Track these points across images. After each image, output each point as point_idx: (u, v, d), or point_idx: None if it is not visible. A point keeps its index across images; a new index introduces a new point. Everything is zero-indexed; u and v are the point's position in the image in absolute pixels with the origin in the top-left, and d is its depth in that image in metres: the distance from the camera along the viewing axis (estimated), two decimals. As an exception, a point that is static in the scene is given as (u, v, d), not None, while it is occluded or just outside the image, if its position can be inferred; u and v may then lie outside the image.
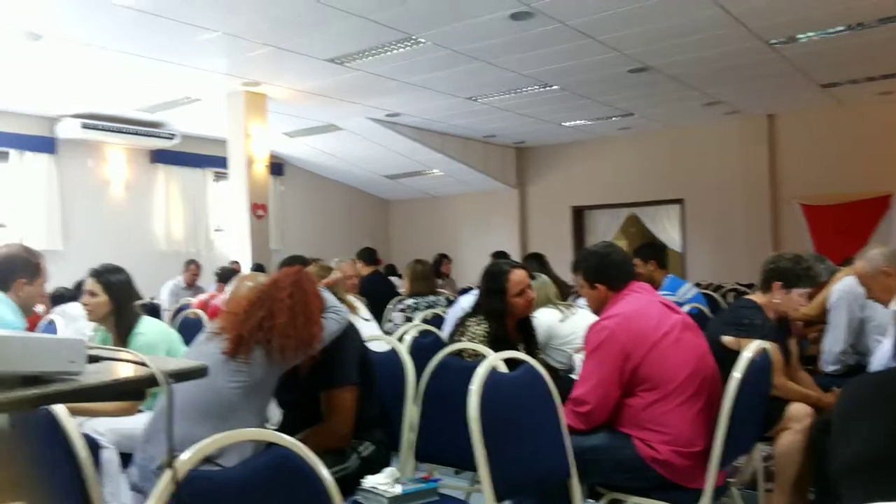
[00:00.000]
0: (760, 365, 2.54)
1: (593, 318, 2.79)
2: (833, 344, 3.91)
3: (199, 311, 4.94)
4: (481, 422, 2.06)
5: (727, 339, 3.04)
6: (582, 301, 3.90)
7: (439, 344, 3.44)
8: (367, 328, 3.90)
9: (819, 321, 4.28)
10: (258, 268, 7.33)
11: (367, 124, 9.68)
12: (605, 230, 12.02)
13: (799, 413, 2.99)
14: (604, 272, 2.72)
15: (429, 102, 8.66)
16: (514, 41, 6.36)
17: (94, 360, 1.31)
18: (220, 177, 10.67)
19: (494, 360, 2.26)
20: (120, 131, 9.12)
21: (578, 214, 12.09)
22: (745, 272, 8.86)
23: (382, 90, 8.02)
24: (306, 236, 11.77)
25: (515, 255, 9.31)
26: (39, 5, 5.37)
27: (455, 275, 10.46)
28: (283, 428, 2.62)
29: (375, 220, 13.71)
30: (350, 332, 2.57)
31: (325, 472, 1.54)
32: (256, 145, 8.34)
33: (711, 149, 10.43)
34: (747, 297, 3.47)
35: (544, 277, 4.07)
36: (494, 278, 3.19)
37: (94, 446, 2.12)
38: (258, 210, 8.43)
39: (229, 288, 2.66)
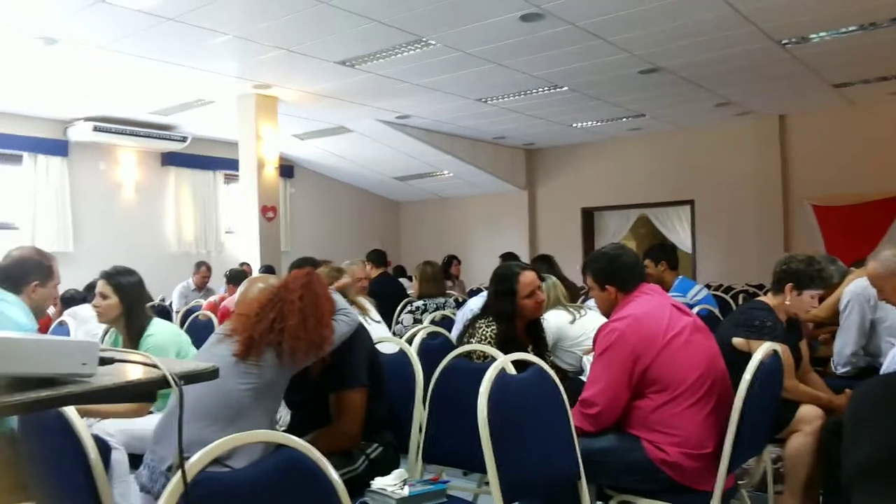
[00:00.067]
0: (771, 367, 2.53)
1: (603, 319, 2.78)
2: (844, 346, 3.89)
3: (209, 313, 4.96)
4: (490, 423, 2.05)
5: (738, 341, 3.03)
6: (591, 302, 3.89)
7: (448, 345, 3.44)
8: (377, 330, 3.91)
9: (830, 323, 4.25)
10: (268, 269, 7.35)
11: (376, 126, 9.70)
12: (615, 231, 12.00)
13: (809, 415, 2.97)
14: (614, 274, 2.72)
15: (438, 104, 8.67)
16: (524, 43, 6.36)
17: (106, 362, 1.32)
18: (230, 179, 10.73)
19: (503, 361, 2.26)
20: (131, 134, 9.20)
21: (588, 216, 12.07)
22: (756, 273, 8.82)
23: (392, 92, 8.03)
24: (316, 238, 11.81)
25: (525, 257, 9.30)
26: (55, 11, 5.41)
27: (464, 276, 10.47)
28: (291, 429, 2.63)
29: (385, 222, 13.73)
30: (360, 333, 2.58)
31: (334, 474, 1.54)
32: (267, 147, 8.38)
33: (722, 150, 10.39)
34: (758, 298, 3.45)
35: (554, 279, 4.06)
36: (504, 280, 3.18)
37: (104, 447, 2.13)
38: (268, 212, 8.46)
39: (240, 290, 2.66)
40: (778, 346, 2.64)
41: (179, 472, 1.34)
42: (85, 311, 4.64)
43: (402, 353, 2.86)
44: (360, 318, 2.66)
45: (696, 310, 4.09)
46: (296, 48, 6.44)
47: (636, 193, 11.24)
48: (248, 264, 8.00)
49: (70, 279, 5.33)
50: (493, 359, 2.41)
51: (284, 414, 2.81)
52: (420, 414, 2.67)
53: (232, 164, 9.00)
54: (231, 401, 2.17)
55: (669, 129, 10.56)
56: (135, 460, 2.58)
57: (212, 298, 6.73)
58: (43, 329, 4.11)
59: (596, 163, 11.63)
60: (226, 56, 6.67)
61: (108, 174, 9.74)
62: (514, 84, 7.83)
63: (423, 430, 2.58)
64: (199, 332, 4.26)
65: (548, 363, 2.68)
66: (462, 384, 2.32)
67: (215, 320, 4.72)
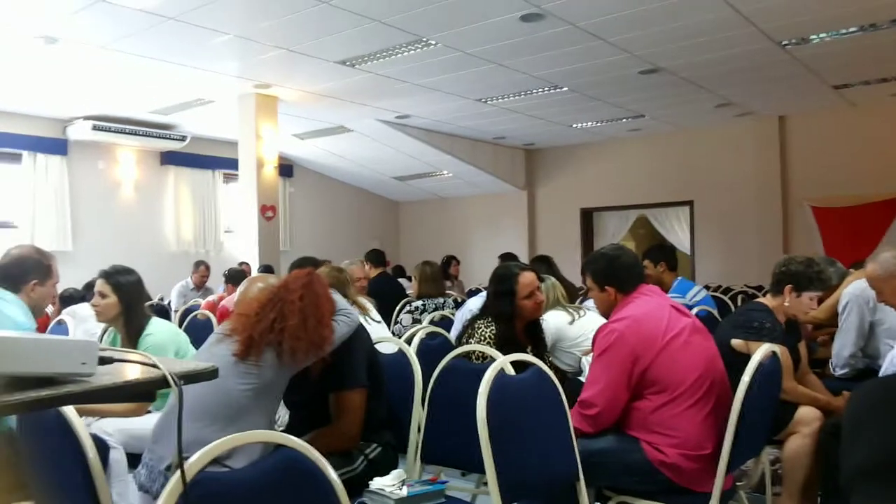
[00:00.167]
0: (770, 368, 2.53)
1: (602, 320, 2.78)
2: (843, 347, 3.89)
3: (208, 312, 4.96)
4: (489, 424, 2.06)
5: (737, 342, 3.04)
6: (590, 303, 3.89)
7: (447, 346, 3.44)
8: (378, 330, 3.91)
9: (829, 324, 4.25)
10: (267, 269, 7.35)
11: (376, 126, 9.70)
12: (615, 232, 12.01)
13: (808, 417, 2.98)
14: (613, 275, 2.72)
15: (438, 104, 8.67)
16: (524, 43, 6.36)
17: (105, 361, 1.32)
18: (229, 178, 10.73)
19: (503, 362, 2.26)
20: (131, 133, 9.19)
21: (587, 216, 12.07)
22: (755, 274, 8.83)
23: (392, 92, 8.03)
24: (315, 238, 11.81)
25: (524, 257, 9.30)
26: (55, 10, 5.41)
27: (463, 276, 10.47)
28: (290, 428, 2.63)
29: (384, 222, 13.73)
30: (359, 334, 2.58)
31: (333, 474, 1.54)
32: (267, 147, 8.37)
33: (722, 150, 10.39)
34: (757, 300, 3.45)
35: (553, 280, 4.07)
36: (503, 281, 3.18)
37: (102, 447, 2.13)
38: (267, 211, 8.46)
39: (240, 289, 2.66)
40: (777, 348, 2.64)
41: (179, 472, 1.33)
42: (83, 309, 4.64)
43: (401, 354, 2.86)
44: (361, 319, 2.66)
45: (694, 311, 4.10)
46: (296, 48, 6.43)
47: (635, 194, 11.24)
48: (247, 264, 8.00)
49: (69, 278, 5.33)
50: (492, 359, 2.41)
51: (283, 414, 2.80)
52: (419, 414, 2.66)
53: (231, 164, 9.00)
54: (230, 401, 2.17)
55: (669, 130, 10.56)
56: (133, 460, 2.58)
57: (210, 298, 6.73)
58: (41, 328, 4.11)
59: (595, 163, 11.64)
60: (226, 55, 6.67)
61: (108, 173, 9.73)
62: (514, 84, 7.83)
63: (422, 431, 2.58)
64: (197, 331, 4.27)
65: (547, 364, 2.69)
66: (461, 384, 2.32)
67: (214, 320, 4.72)
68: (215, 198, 10.89)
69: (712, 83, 7.94)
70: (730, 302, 6.26)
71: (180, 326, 4.52)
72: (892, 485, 1.25)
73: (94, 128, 8.82)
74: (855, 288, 3.88)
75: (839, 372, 3.90)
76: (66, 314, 4.52)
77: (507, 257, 6.84)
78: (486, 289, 3.56)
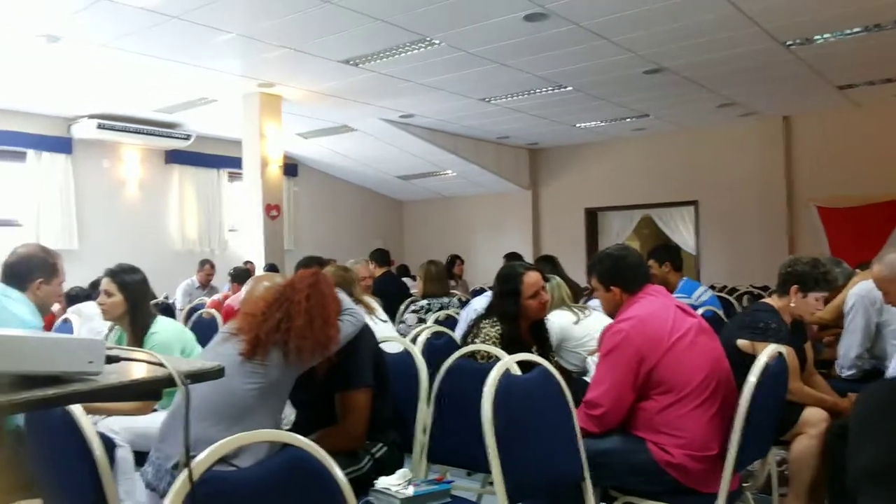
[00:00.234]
0: (776, 369, 2.52)
1: (607, 320, 2.78)
2: (849, 348, 3.88)
3: (214, 311, 4.96)
4: (494, 424, 2.05)
5: (742, 343, 3.03)
6: (595, 303, 3.89)
7: (452, 345, 3.44)
8: (384, 329, 3.91)
9: (835, 325, 4.24)
10: (272, 268, 7.36)
11: (380, 125, 9.70)
12: (619, 232, 12.00)
13: (814, 418, 2.97)
14: (619, 275, 2.71)
15: (442, 103, 8.67)
16: (527, 42, 6.35)
17: (111, 360, 1.32)
18: (234, 177, 10.74)
19: (508, 362, 2.25)
20: (135, 132, 9.20)
21: (592, 216, 12.06)
22: (760, 275, 8.80)
23: (396, 91, 8.03)
24: (319, 237, 11.82)
25: (528, 257, 9.29)
26: (57, 9, 5.42)
27: (468, 276, 10.46)
28: (296, 427, 2.63)
29: (388, 221, 13.73)
30: (365, 333, 2.58)
31: (339, 474, 1.54)
32: (271, 146, 8.38)
33: (726, 150, 10.37)
34: (763, 300, 3.44)
35: (558, 279, 4.06)
36: (508, 280, 3.18)
37: (109, 445, 2.13)
38: (272, 210, 8.47)
39: (245, 288, 2.66)
40: (783, 349, 2.63)
41: (186, 471, 1.34)
42: (89, 308, 4.65)
43: (406, 353, 2.86)
44: (367, 318, 2.66)
45: (700, 311, 4.09)
46: (300, 47, 6.44)
47: (640, 194, 11.23)
48: (251, 262, 8.01)
49: (74, 276, 5.34)
50: (498, 359, 2.41)
51: (290, 413, 2.81)
52: (424, 414, 2.67)
53: (236, 163, 9.02)
54: (236, 400, 2.17)
55: (673, 130, 10.55)
56: (139, 458, 2.59)
57: (216, 296, 6.74)
58: (47, 326, 4.11)
59: (599, 163, 11.62)
60: (229, 54, 6.67)
61: (112, 172, 9.75)
62: (518, 84, 7.82)
63: (428, 430, 2.58)
64: (202, 329, 4.26)
65: (552, 364, 2.68)
66: (466, 384, 2.31)
67: (219, 318, 4.72)
68: (220, 197, 10.91)
69: (716, 83, 7.92)
70: (735, 302, 6.24)
71: (185, 325, 4.53)
72: (900, 486, 1.24)
73: (99, 126, 8.84)
74: (861, 289, 3.87)
75: (845, 373, 3.89)
76: (72, 312, 4.52)
77: (512, 257, 6.83)
78: (491, 289, 3.56)
